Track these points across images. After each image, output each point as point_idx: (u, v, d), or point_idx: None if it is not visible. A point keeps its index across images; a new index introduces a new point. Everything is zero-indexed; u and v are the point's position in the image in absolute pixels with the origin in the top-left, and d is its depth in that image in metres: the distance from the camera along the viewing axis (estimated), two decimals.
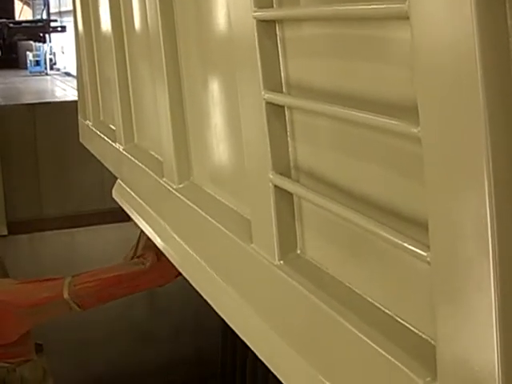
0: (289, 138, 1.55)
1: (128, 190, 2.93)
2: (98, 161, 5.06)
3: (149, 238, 4.04)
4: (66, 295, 3.88)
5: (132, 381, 7.29)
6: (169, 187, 2.31)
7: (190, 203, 2.12)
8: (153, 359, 7.48)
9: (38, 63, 21.84)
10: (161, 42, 2.22)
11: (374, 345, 1.21)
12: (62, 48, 21.93)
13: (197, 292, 2.12)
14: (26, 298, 4.16)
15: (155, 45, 2.31)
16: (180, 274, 4.14)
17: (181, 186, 2.24)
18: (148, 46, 2.45)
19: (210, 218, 1.96)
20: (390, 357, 1.17)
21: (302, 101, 1.48)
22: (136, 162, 2.74)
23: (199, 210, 2.04)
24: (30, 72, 21.30)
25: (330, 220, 1.47)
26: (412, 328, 1.21)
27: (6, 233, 7.68)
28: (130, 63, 2.92)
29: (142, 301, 7.07)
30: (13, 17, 20.40)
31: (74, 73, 4.40)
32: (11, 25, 16.95)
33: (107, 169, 3.42)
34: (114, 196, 3.15)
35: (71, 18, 4.08)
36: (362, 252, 1.37)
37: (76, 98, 4.34)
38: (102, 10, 3.25)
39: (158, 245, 2.58)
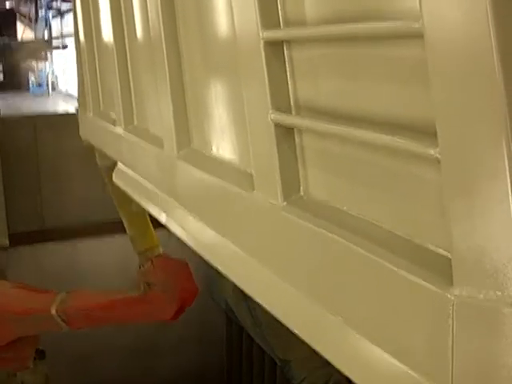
0: (288, 75, 1.51)
1: (128, 171, 2.89)
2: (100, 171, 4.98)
3: (140, 272, 3.92)
4: (53, 311, 3.71)
5: None
6: (169, 155, 2.27)
7: (191, 166, 2.08)
8: (156, 371, 7.37)
9: (39, 85, 22.00)
10: (160, 19, 2.19)
11: (391, 265, 1.15)
12: (63, 71, 22.11)
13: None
14: (15, 304, 4.01)
15: (155, 18, 2.28)
16: (177, 316, 3.95)
17: (181, 152, 2.20)
18: (147, 24, 2.43)
19: (210, 176, 1.92)
20: (406, 273, 1.11)
21: (300, 30, 1.44)
22: (135, 138, 2.71)
23: (199, 171, 2.00)
24: (32, 93, 21.45)
25: (334, 154, 1.43)
26: (426, 245, 1.16)
27: (7, 244, 7.62)
28: (130, 46, 2.90)
29: None
30: (15, 38, 20.55)
31: (76, 94, 4.33)
32: (13, 43, 17.07)
33: None
34: (114, 179, 3.11)
35: (73, 39, 4.00)
36: (367, 179, 1.33)
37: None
38: None
39: (163, 222, 2.52)
